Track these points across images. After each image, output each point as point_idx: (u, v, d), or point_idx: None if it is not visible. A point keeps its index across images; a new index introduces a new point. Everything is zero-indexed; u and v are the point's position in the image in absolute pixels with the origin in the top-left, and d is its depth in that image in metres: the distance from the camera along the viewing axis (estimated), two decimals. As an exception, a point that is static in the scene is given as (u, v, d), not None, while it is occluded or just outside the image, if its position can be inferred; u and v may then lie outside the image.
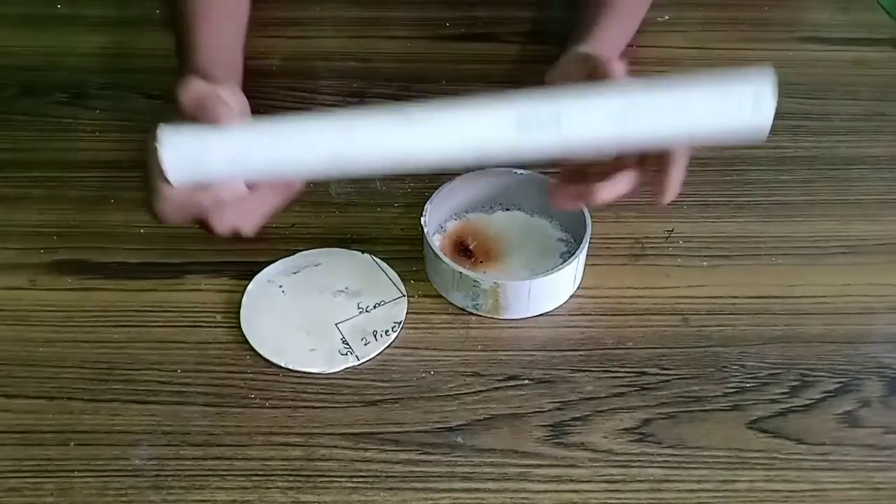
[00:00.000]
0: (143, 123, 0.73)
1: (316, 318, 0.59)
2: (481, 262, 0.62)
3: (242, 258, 0.63)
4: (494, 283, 0.57)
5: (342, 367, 0.57)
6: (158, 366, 0.57)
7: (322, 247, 0.64)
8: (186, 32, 0.62)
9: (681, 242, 0.65)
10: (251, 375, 0.56)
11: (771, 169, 0.71)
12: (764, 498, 0.51)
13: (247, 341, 0.58)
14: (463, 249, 0.63)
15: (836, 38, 0.86)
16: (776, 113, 0.77)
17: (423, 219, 0.60)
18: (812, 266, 0.64)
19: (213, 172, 0.50)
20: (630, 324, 0.60)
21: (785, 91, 0.79)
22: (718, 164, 0.72)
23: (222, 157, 0.50)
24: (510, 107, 0.50)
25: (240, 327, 0.59)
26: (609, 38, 0.68)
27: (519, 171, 0.64)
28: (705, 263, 0.64)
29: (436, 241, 0.60)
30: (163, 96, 0.77)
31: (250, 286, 0.61)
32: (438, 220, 0.64)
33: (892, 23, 0.89)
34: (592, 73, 0.54)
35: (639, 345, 0.59)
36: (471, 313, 0.60)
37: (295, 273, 0.62)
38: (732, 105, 0.49)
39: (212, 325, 0.59)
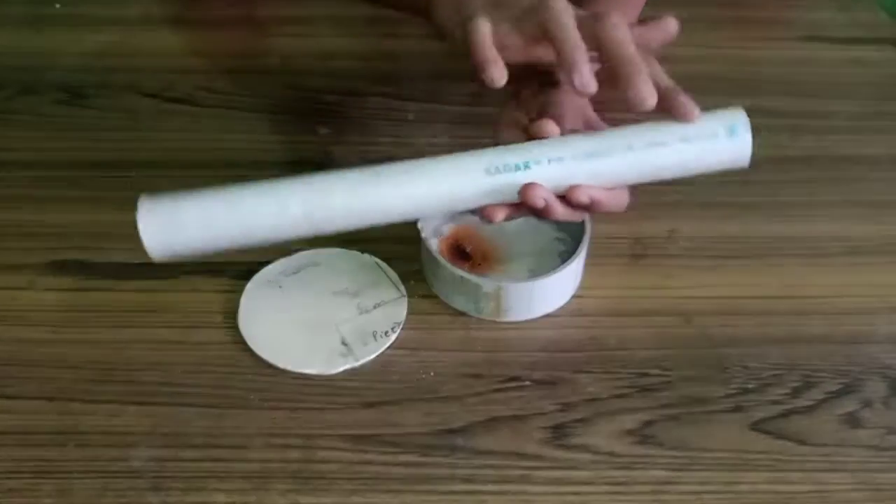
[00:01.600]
0: (143, 122, 0.75)
1: (315, 318, 0.59)
2: (479, 265, 0.62)
3: (241, 258, 0.62)
4: (497, 286, 0.57)
5: (342, 369, 0.57)
6: (157, 367, 0.57)
7: (322, 247, 0.63)
8: None
9: (682, 243, 0.65)
10: (250, 377, 0.56)
11: (771, 169, 0.71)
12: (766, 500, 0.51)
13: (246, 342, 0.58)
14: (460, 253, 0.63)
15: (836, 38, 0.86)
16: (775, 113, 0.77)
17: (419, 223, 0.60)
18: (813, 266, 0.64)
19: (189, 242, 0.51)
20: (632, 324, 0.60)
21: (785, 91, 0.80)
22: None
23: (198, 227, 0.51)
24: (479, 157, 0.51)
25: (239, 328, 0.58)
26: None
27: None
28: (707, 264, 0.64)
29: (433, 245, 0.59)
30: (161, 96, 0.77)
31: (249, 286, 0.61)
32: (434, 224, 0.64)
33: (892, 23, 0.89)
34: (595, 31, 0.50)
35: (640, 346, 0.58)
36: (472, 316, 0.60)
37: (294, 273, 0.62)
38: (706, 132, 0.50)
39: (211, 325, 0.59)
